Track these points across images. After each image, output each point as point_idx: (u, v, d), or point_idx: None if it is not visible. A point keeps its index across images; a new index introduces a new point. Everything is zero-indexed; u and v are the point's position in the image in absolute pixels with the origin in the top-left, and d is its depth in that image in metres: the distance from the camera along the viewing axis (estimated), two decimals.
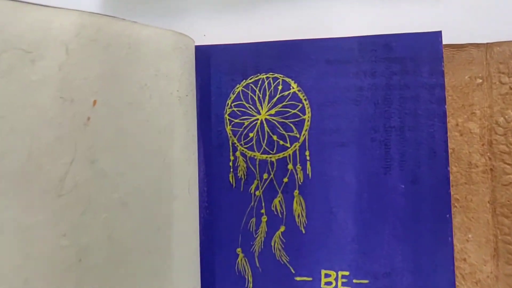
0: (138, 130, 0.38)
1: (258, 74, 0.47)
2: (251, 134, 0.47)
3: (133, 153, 0.38)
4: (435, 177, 0.43)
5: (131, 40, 0.38)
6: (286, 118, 0.46)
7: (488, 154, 0.45)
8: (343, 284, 0.44)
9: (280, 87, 0.46)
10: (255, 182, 0.47)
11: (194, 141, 0.45)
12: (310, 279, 0.45)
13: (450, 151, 0.44)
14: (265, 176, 0.47)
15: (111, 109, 0.36)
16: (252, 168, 0.47)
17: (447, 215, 0.42)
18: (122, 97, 0.37)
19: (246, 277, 0.46)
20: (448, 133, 0.44)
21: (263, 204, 0.46)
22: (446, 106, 0.43)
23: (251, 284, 0.46)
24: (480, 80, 0.46)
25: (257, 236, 0.46)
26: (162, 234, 0.40)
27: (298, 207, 0.46)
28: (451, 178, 0.43)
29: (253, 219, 0.46)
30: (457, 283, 0.43)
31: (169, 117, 0.40)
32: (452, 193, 0.44)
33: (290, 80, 0.46)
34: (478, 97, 0.46)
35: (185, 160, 0.43)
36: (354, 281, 0.44)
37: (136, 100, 0.38)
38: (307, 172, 0.46)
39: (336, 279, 0.45)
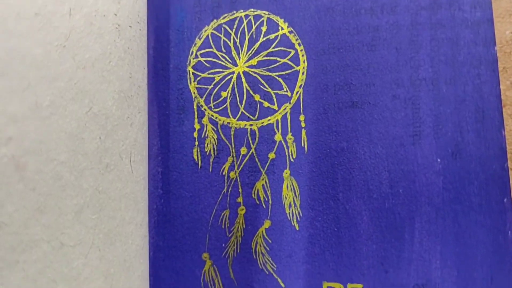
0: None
1: (234, 12, 0.33)
2: (223, 94, 0.33)
3: None
4: (484, 147, 0.29)
5: None
6: (273, 70, 0.32)
7: None
8: None
9: (264, 29, 0.33)
10: (229, 159, 0.33)
11: (142, 96, 0.31)
12: None
13: (505, 110, 0.31)
14: (243, 151, 0.33)
15: None
16: (225, 141, 0.33)
17: (505, 199, 0.28)
18: None
19: None
20: (503, 88, 0.30)
21: (240, 190, 0.32)
22: (496, 49, 0.30)
23: None
24: None
25: (232, 236, 0.32)
26: (85, 219, 0.26)
27: (290, 193, 0.32)
28: (508, 148, 0.30)
29: (226, 212, 0.32)
30: None
31: (99, 48, 0.26)
32: (510, 167, 0.30)
33: (278, 18, 0.33)
34: None
35: (124, 119, 0.29)
36: None
37: None
38: (302, 145, 0.32)
39: None
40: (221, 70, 0.34)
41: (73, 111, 0.26)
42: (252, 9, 0.34)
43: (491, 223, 0.30)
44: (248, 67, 0.33)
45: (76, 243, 0.26)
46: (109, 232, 0.28)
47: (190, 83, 0.34)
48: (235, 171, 0.33)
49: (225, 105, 0.34)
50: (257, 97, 0.33)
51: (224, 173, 0.33)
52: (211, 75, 0.34)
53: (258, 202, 0.33)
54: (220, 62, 0.34)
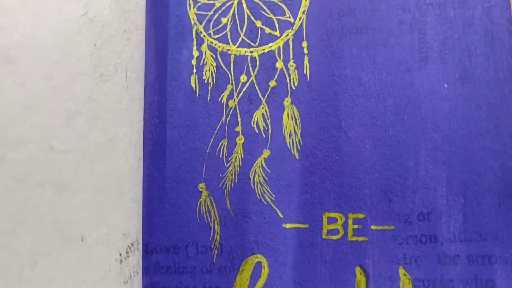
0: None
1: None
2: (224, 20, 0.32)
3: None
4: (493, 71, 0.28)
5: None
6: None
7: None
8: (355, 232, 0.29)
9: None
10: (228, 88, 0.31)
11: (140, 13, 0.30)
12: (305, 226, 0.30)
13: None
14: (242, 78, 0.31)
15: None
16: (225, 68, 0.32)
17: None
18: None
19: (212, 225, 0.31)
20: None
21: (239, 120, 0.31)
22: None
23: (218, 236, 0.30)
24: None
25: (229, 166, 0.31)
26: (77, 126, 0.25)
27: (291, 121, 0.30)
28: None
29: (224, 141, 0.31)
30: None
31: None
32: None
33: None
34: None
35: (121, 32, 0.27)
36: (373, 227, 0.29)
37: None
38: (304, 72, 0.31)
39: (345, 225, 0.29)
40: None
41: (67, 12, 0.25)
42: None
43: (500, 147, 0.28)
44: None
45: (66, 149, 0.25)
46: (101, 144, 0.27)
47: (190, 9, 0.33)
48: (234, 100, 0.32)
49: (225, 31, 0.32)
50: (258, 23, 0.32)
51: (222, 102, 0.32)
52: (211, 1, 0.33)
53: (257, 131, 0.31)
54: None
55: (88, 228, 0.25)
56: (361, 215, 0.30)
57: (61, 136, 0.25)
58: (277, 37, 0.32)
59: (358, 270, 0.30)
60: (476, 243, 0.28)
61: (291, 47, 0.32)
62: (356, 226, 0.30)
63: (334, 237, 0.30)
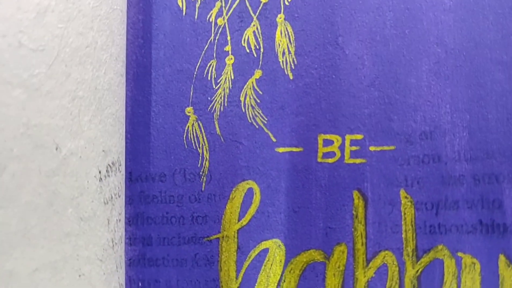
0: None
1: None
2: None
3: None
4: None
5: None
6: None
7: None
8: (352, 154, 0.27)
9: None
10: (217, 5, 0.29)
11: None
12: (300, 149, 0.28)
13: None
14: None
15: None
16: None
17: None
18: None
19: (200, 151, 0.28)
20: None
21: (228, 38, 0.29)
22: None
23: (207, 162, 0.28)
24: None
25: (218, 88, 0.29)
26: (50, 24, 0.23)
27: (284, 39, 0.28)
28: None
29: (213, 62, 0.29)
30: None
31: None
32: None
33: None
34: None
35: None
36: (371, 148, 0.27)
37: None
38: None
39: (341, 147, 0.27)
40: None
41: None
42: None
43: (508, 59, 0.26)
44: None
45: (37, 48, 0.23)
46: (77, 49, 0.24)
47: None
48: (223, 17, 0.30)
49: None
50: None
51: (211, 20, 0.30)
52: None
53: (248, 50, 0.29)
54: None
55: (63, 137, 0.23)
56: (359, 136, 0.28)
57: (31, 32, 0.22)
58: None
59: (356, 194, 0.28)
60: (482, 161, 0.26)
61: None
62: (353, 148, 0.28)
63: (330, 160, 0.28)
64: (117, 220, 0.27)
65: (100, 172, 0.26)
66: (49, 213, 0.23)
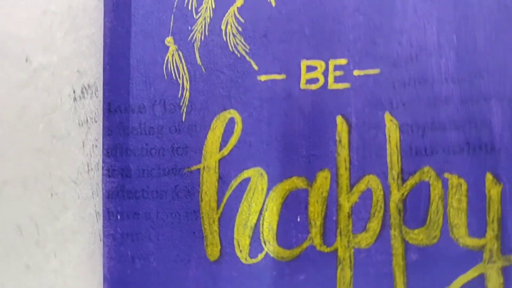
0: None
1: None
2: None
3: None
4: None
5: None
6: None
7: None
8: (336, 79, 0.26)
9: None
10: None
11: None
12: (282, 76, 0.27)
13: None
14: None
15: None
16: None
17: None
18: None
19: (180, 81, 0.28)
20: None
21: None
22: None
23: (187, 93, 0.27)
24: None
25: (199, 17, 0.28)
26: None
27: None
28: None
29: None
30: None
31: None
32: None
33: None
34: None
35: None
36: (355, 72, 0.26)
37: None
38: None
39: (325, 73, 0.26)
40: None
41: None
42: None
43: None
44: None
45: None
46: None
47: None
48: None
49: None
50: None
51: None
52: None
53: None
54: None
55: (33, 50, 0.22)
56: (343, 61, 0.27)
57: None
58: None
59: (339, 119, 0.27)
60: (470, 82, 0.25)
61: None
62: (337, 73, 0.27)
63: (313, 87, 0.27)
64: (93, 145, 0.26)
65: (74, 92, 0.25)
66: (19, 127, 0.22)
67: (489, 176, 0.24)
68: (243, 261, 0.27)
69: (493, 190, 0.24)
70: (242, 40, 0.28)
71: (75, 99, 0.25)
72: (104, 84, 0.28)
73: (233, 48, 0.28)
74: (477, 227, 0.24)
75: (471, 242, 0.24)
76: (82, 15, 0.26)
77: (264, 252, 0.27)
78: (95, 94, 0.27)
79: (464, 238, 0.24)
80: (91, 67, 0.26)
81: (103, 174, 0.28)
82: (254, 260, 0.27)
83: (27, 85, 0.22)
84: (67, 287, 0.24)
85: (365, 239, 0.26)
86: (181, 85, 0.29)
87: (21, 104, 0.22)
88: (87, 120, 0.26)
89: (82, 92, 0.25)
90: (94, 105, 0.26)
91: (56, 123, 0.24)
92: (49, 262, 0.23)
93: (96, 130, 0.27)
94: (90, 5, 0.26)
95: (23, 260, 0.22)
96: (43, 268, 0.23)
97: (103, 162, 0.28)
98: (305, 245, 0.27)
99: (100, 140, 0.28)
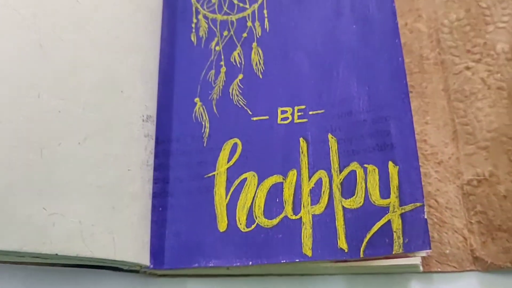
0: None
1: None
2: (213, 0, 0.51)
3: None
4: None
5: None
6: None
7: (438, 49, 0.48)
8: (299, 117, 0.44)
9: None
10: (215, 39, 0.49)
11: None
12: (266, 117, 0.45)
13: (402, 44, 0.45)
14: (225, 33, 0.49)
15: None
16: (213, 28, 0.49)
17: (396, 41, 0.44)
18: None
19: (203, 123, 0.46)
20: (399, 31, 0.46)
21: (222, 57, 0.48)
22: None
23: (207, 129, 0.46)
24: None
25: (216, 86, 0.47)
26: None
27: (256, 57, 0.47)
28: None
29: (213, 71, 0.48)
30: (420, 163, 0.41)
31: None
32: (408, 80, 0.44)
33: None
34: (423, 3, 0.50)
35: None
36: (310, 112, 0.44)
37: None
38: (265, 27, 0.48)
39: (292, 114, 0.45)
40: None
41: None
42: None
43: (388, 53, 0.45)
44: None
45: None
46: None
47: None
48: (220, 46, 0.49)
49: (213, 7, 0.51)
50: (235, 1, 0.50)
51: (211, 48, 0.49)
52: None
53: (234, 63, 0.48)
54: None
55: (127, 84, 0.41)
56: (303, 106, 0.45)
57: None
58: (247, 9, 0.50)
59: (301, 140, 0.44)
60: (376, 111, 0.43)
61: (256, 14, 0.49)
62: (300, 113, 0.45)
63: (285, 122, 0.45)
64: (150, 152, 0.43)
65: (143, 116, 0.43)
66: (109, 134, 0.40)
67: (391, 164, 0.41)
68: (242, 230, 0.42)
69: (393, 171, 0.40)
70: (241, 97, 0.47)
71: (143, 120, 0.43)
72: (156, 122, 0.46)
73: (236, 102, 0.47)
74: (385, 193, 0.40)
75: (382, 202, 0.40)
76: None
77: (255, 223, 0.42)
78: (153, 121, 0.44)
79: (378, 201, 0.40)
80: (153, 106, 0.45)
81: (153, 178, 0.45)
82: (249, 229, 0.42)
83: (117, 107, 0.40)
84: None
85: (319, 208, 0.41)
86: (203, 125, 0.47)
87: (113, 117, 0.40)
88: (148, 134, 0.43)
89: (146, 117, 0.43)
90: (152, 127, 0.44)
91: (131, 132, 0.41)
92: None
93: (151, 144, 0.44)
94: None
95: None
96: None
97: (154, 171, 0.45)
98: (281, 216, 0.42)
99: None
